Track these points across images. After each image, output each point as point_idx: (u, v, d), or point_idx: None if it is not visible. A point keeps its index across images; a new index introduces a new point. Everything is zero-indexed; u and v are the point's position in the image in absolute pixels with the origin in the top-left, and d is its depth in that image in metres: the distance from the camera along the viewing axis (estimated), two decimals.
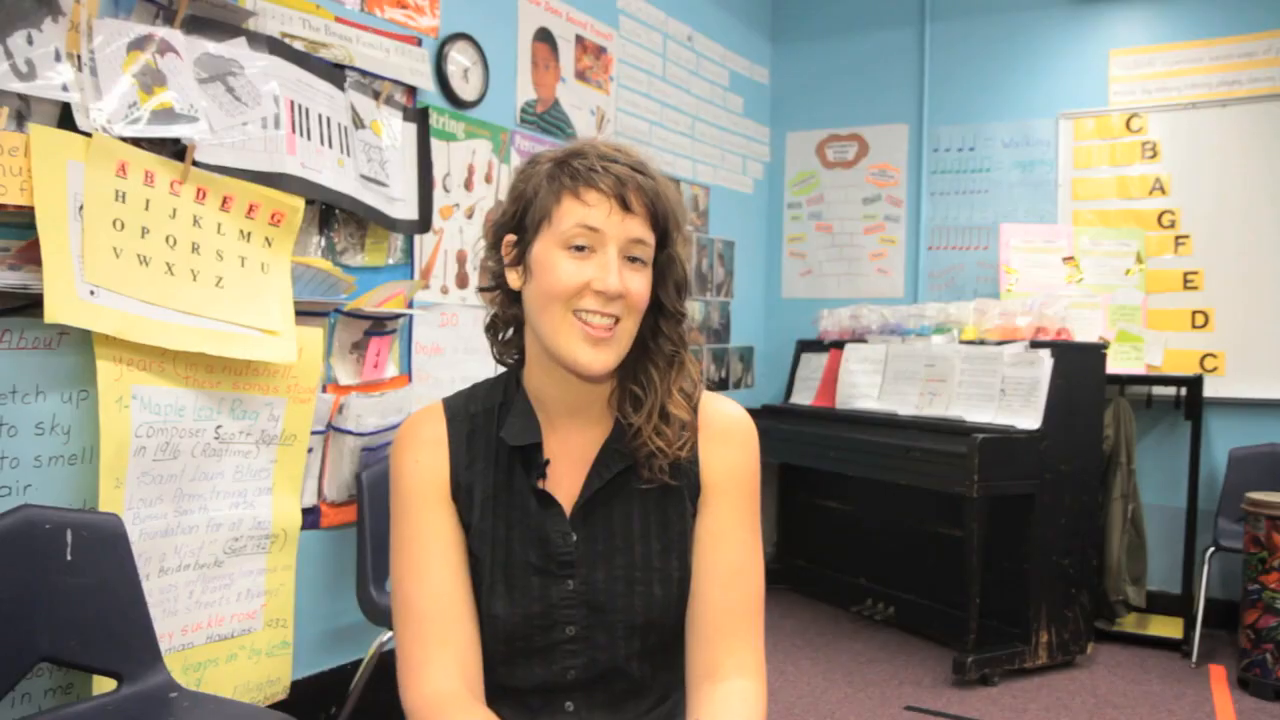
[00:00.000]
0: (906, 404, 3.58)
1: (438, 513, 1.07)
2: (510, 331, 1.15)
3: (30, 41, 1.63)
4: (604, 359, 1.02)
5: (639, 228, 1.03)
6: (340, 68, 2.30)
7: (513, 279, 1.08)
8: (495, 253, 1.11)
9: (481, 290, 1.17)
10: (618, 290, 1.01)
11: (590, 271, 1.01)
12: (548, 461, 1.09)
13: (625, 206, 1.02)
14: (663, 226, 1.06)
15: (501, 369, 1.19)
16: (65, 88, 1.68)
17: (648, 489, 1.08)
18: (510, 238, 1.08)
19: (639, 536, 1.08)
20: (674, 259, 1.09)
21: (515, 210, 1.07)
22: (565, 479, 1.09)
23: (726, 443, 1.12)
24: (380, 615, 2.20)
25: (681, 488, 1.10)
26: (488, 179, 2.89)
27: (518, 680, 1.07)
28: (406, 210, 2.52)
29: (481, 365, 2.79)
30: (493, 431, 1.10)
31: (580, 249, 1.01)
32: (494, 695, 1.08)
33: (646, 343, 1.09)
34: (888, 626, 3.63)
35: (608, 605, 1.06)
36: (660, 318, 1.09)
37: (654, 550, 1.08)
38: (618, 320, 1.02)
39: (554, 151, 1.08)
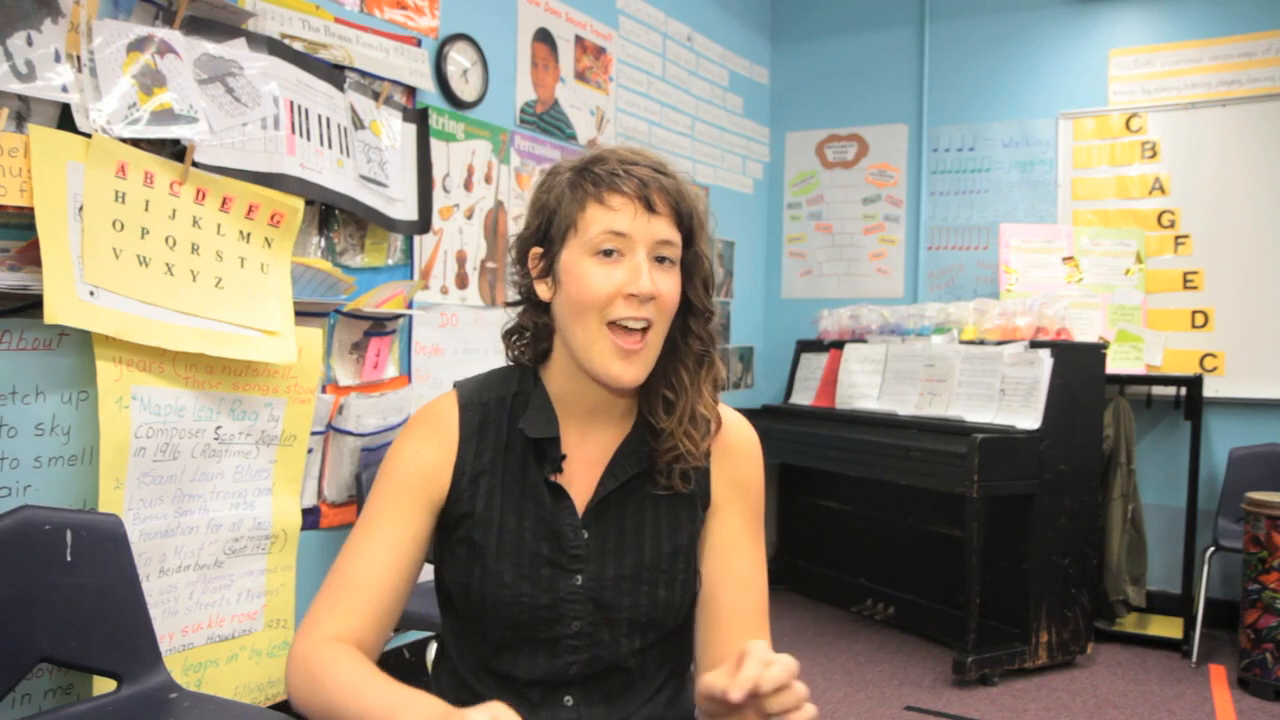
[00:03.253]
0: (906, 404, 3.58)
1: (410, 506, 1.07)
2: (531, 337, 1.13)
3: (30, 43, 1.63)
4: (635, 372, 1.03)
5: (665, 228, 1.03)
6: (340, 68, 2.30)
7: (542, 291, 1.08)
8: (522, 267, 1.10)
9: (509, 305, 1.16)
10: (650, 292, 1.01)
11: (620, 276, 1.01)
12: (564, 456, 1.09)
13: (650, 208, 1.02)
14: (687, 225, 1.06)
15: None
16: (65, 89, 1.68)
17: (662, 494, 1.10)
18: (536, 250, 1.08)
19: (649, 538, 1.09)
20: (700, 256, 1.09)
21: (539, 223, 1.07)
22: (578, 476, 1.09)
23: (738, 456, 1.14)
24: None
25: (693, 494, 1.11)
26: (487, 179, 2.89)
27: (520, 671, 1.07)
28: (406, 211, 2.52)
29: (481, 366, 2.79)
30: (504, 421, 1.10)
31: (609, 254, 1.02)
32: (494, 687, 1.08)
33: (677, 343, 1.09)
34: (887, 626, 3.63)
35: (614, 603, 1.06)
36: (690, 316, 1.09)
37: (663, 552, 1.09)
38: (649, 326, 1.02)
39: (573, 160, 1.08)
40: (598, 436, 1.11)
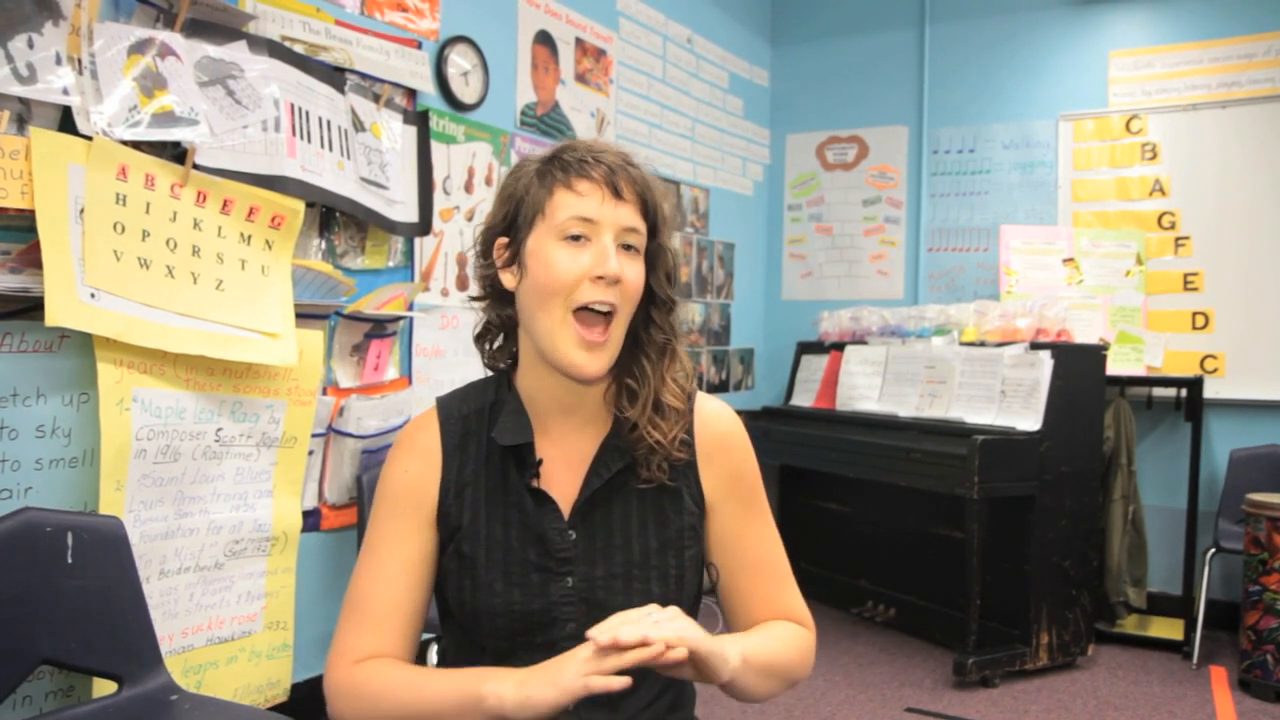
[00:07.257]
0: (907, 405, 3.58)
1: (409, 524, 1.09)
2: (502, 338, 1.17)
3: (31, 45, 1.64)
4: (598, 362, 1.04)
5: (631, 215, 1.05)
6: (340, 71, 2.30)
7: (507, 280, 1.09)
8: (487, 259, 1.12)
9: (474, 299, 1.17)
10: (616, 274, 1.02)
11: (587, 260, 1.03)
12: (540, 461, 1.10)
13: (617, 194, 1.04)
14: (653, 216, 1.08)
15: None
16: (66, 91, 1.68)
17: (645, 488, 1.10)
18: (502, 240, 1.09)
19: (637, 534, 1.09)
20: (664, 248, 1.11)
21: (506, 211, 1.09)
22: (561, 478, 1.10)
23: (723, 452, 1.15)
24: None
25: (680, 487, 1.11)
26: (488, 181, 2.89)
27: None
28: (406, 213, 2.52)
29: (481, 368, 2.79)
30: (484, 432, 1.12)
31: (576, 238, 1.03)
32: None
33: (639, 334, 1.11)
34: (888, 628, 3.63)
35: (606, 602, 1.06)
36: (652, 307, 1.11)
37: (652, 548, 1.09)
38: (613, 311, 1.03)
39: (541, 153, 1.11)
40: (576, 437, 1.11)
